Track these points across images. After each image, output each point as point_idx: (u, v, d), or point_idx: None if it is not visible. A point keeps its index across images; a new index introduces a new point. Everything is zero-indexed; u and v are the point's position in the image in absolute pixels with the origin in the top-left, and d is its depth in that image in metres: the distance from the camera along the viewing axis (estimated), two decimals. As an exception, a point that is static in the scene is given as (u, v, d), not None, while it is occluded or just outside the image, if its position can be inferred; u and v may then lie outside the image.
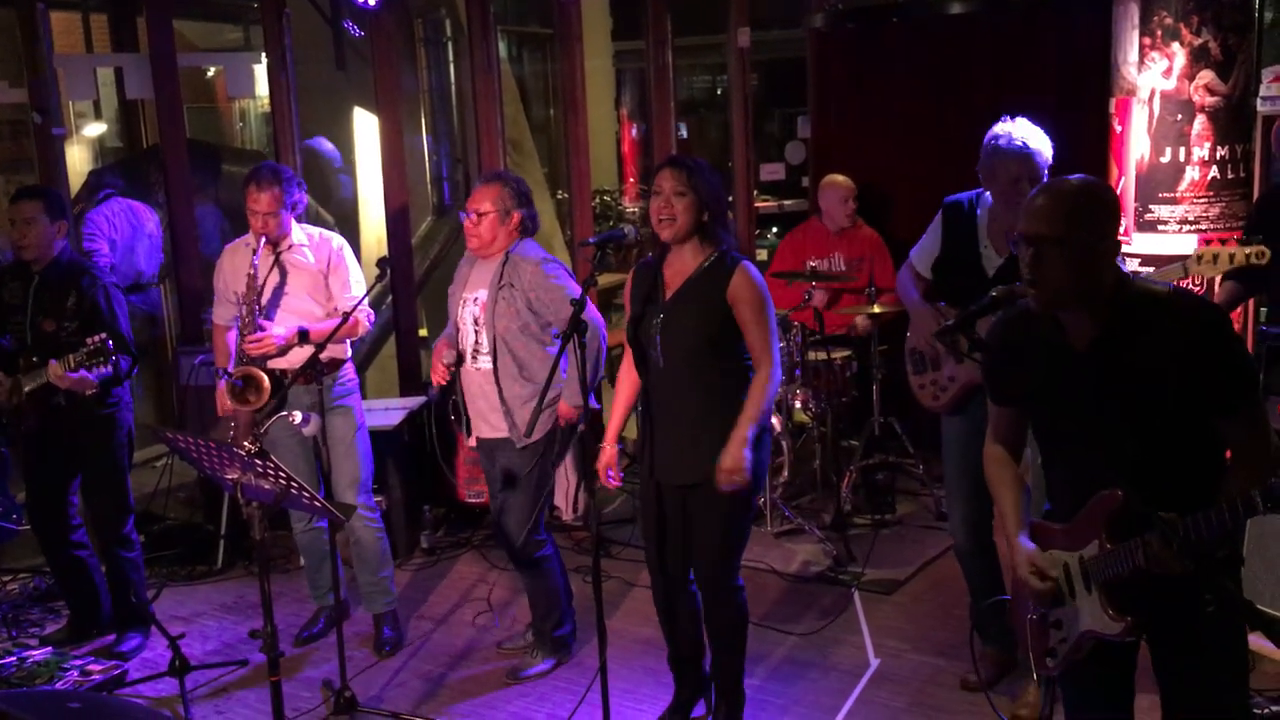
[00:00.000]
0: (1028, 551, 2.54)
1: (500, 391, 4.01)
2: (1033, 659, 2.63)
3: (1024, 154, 3.48)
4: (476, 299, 4.07)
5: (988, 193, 3.64)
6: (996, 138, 3.53)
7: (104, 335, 4.05)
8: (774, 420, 5.16)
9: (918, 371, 3.91)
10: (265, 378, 4.22)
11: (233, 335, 4.39)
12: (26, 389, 4.23)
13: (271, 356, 4.28)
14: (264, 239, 4.30)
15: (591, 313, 3.96)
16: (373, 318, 4.48)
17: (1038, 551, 2.53)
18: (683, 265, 3.51)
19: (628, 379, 3.72)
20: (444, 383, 4.16)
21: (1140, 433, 2.35)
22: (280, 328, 4.27)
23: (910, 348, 3.93)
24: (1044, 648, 2.57)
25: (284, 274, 4.35)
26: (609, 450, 3.73)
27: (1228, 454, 2.41)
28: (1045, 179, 3.44)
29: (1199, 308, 2.37)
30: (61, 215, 4.40)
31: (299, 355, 4.21)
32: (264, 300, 4.31)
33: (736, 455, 3.38)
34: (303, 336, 4.24)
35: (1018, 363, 2.53)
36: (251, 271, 4.29)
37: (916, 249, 3.89)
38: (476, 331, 4.06)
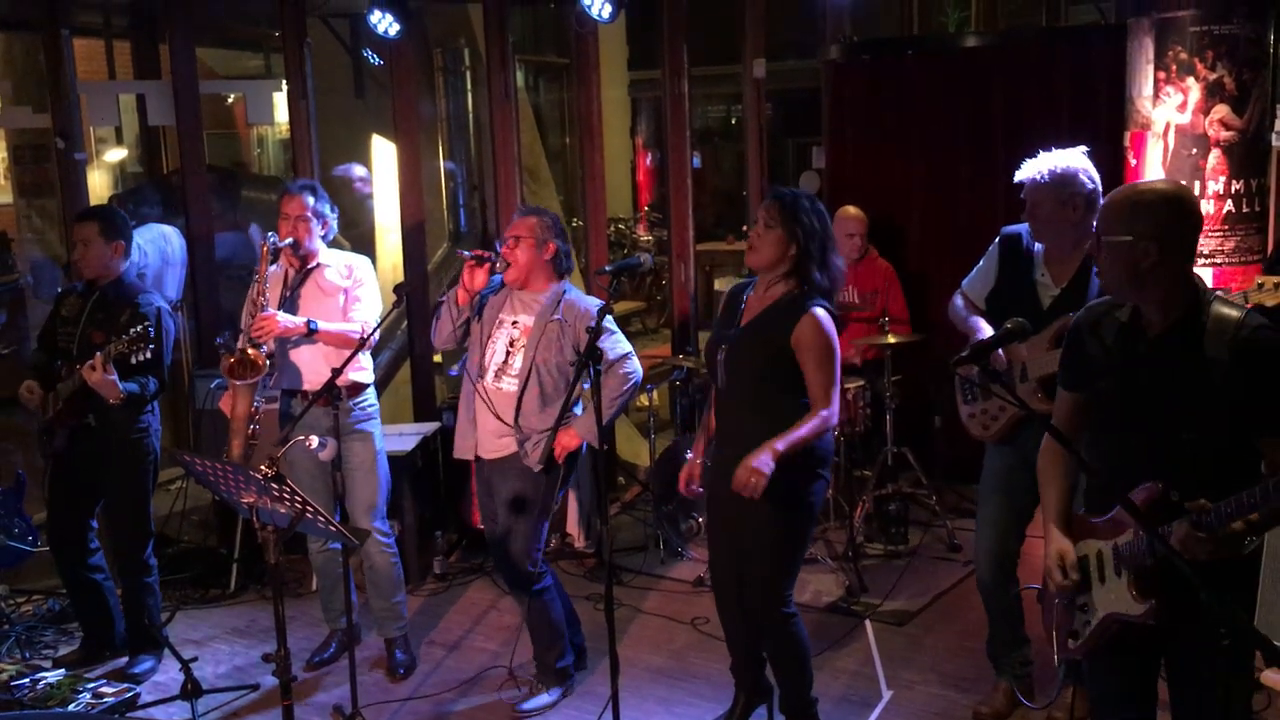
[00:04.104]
0: (1060, 546, 2.66)
1: (518, 418, 4.02)
2: (1056, 641, 2.74)
3: (1031, 184, 3.56)
4: (516, 322, 4.09)
5: None
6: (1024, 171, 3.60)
7: (147, 324, 4.16)
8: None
9: (968, 401, 3.88)
10: (262, 357, 4.23)
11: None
12: (63, 392, 4.33)
13: (281, 338, 4.27)
14: (290, 242, 4.31)
15: (635, 364, 4.02)
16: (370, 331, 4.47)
17: (1069, 547, 2.65)
18: (766, 295, 3.56)
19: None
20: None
21: (1189, 426, 2.47)
22: (290, 316, 4.28)
23: (961, 377, 3.89)
24: (1069, 629, 2.70)
25: (310, 293, 4.37)
26: (692, 463, 3.81)
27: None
28: (1083, 204, 3.49)
29: (1261, 328, 2.46)
30: (118, 236, 4.47)
31: (320, 376, 4.21)
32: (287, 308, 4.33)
33: (749, 463, 3.34)
34: (310, 329, 4.26)
35: (1096, 339, 2.65)
36: (260, 273, 4.29)
37: (968, 278, 3.91)
38: (509, 353, 4.08)
